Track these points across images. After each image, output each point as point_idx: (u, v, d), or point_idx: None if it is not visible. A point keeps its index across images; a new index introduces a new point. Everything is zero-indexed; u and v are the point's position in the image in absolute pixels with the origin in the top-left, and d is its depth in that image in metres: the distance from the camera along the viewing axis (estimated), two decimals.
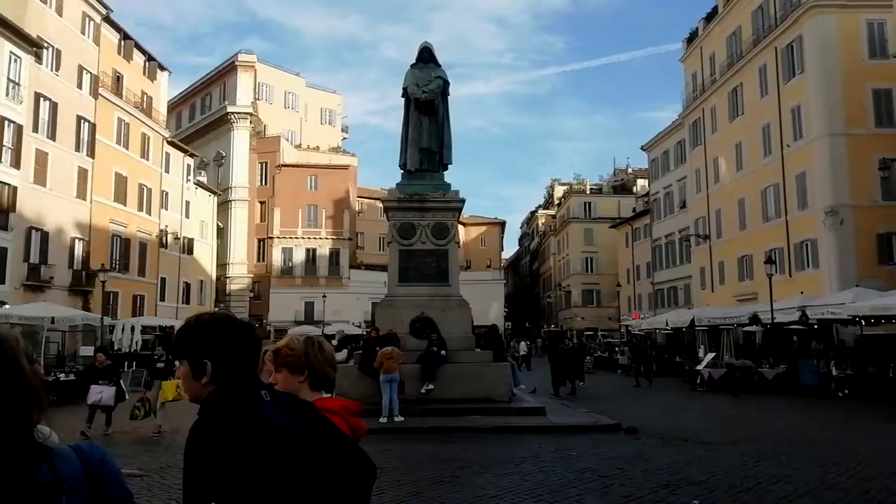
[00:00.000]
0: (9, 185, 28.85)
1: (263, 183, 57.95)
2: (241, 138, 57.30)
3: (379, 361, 13.38)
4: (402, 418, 13.00)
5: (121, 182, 38.27)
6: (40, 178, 31.05)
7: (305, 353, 2.33)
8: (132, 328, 31.98)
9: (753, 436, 12.38)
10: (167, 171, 44.09)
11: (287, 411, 1.78)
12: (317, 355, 2.36)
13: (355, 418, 2.19)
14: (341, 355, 15.71)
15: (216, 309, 44.17)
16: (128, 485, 1.57)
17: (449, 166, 17.26)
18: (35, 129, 30.66)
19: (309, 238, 57.26)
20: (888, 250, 28.34)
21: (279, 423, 1.70)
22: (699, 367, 24.33)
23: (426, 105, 16.61)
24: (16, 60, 29.30)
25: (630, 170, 77.81)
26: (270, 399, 1.77)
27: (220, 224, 54.13)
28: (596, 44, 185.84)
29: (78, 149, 34.18)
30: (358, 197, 63.21)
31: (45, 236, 31.39)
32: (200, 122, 61.64)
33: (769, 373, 22.56)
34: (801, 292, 26.07)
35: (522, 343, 42.40)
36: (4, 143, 28.60)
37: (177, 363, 1.89)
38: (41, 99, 31.11)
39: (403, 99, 17.17)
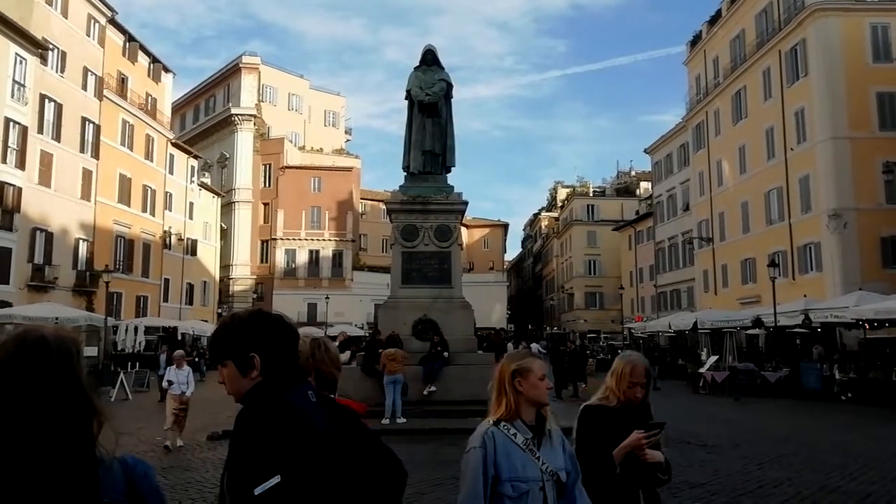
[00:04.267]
0: (13, 185, 28.97)
1: (267, 184, 58.04)
2: (244, 140, 57.42)
3: (382, 363, 13.42)
4: (405, 420, 13.02)
5: (125, 183, 38.38)
6: (45, 179, 31.17)
7: (312, 355, 2.36)
8: (135, 329, 32.09)
9: (756, 439, 12.38)
10: (171, 172, 44.20)
11: (327, 414, 1.82)
12: (323, 357, 2.39)
13: None
14: (344, 357, 15.72)
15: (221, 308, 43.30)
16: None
17: (452, 169, 17.31)
18: (40, 131, 30.78)
19: (312, 239, 57.32)
20: (892, 254, 28.26)
21: (316, 426, 1.73)
22: (702, 370, 24.31)
23: (429, 107, 16.65)
24: (21, 62, 29.42)
25: (633, 172, 77.70)
26: (316, 400, 1.82)
27: (223, 225, 54.23)
28: (597, 47, 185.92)
29: (82, 150, 34.30)
30: (361, 199, 63.24)
31: (49, 237, 31.49)
32: (204, 124, 61.76)
33: (772, 376, 22.54)
34: (805, 295, 26.02)
35: (534, 345, 42.13)
36: (9, 144, 28.73)
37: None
38: (46, 100, 31.24)
39: (407, 101, 17.22)
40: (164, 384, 12.14)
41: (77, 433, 1.34)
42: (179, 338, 38.94)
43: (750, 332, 28.46)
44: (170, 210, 43.82)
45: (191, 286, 47.05)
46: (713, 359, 25.46)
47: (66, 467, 1.30)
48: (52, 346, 1.38)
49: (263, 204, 57.77)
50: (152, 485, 1.49)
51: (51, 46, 31.40)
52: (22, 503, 1.27)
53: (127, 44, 39.90)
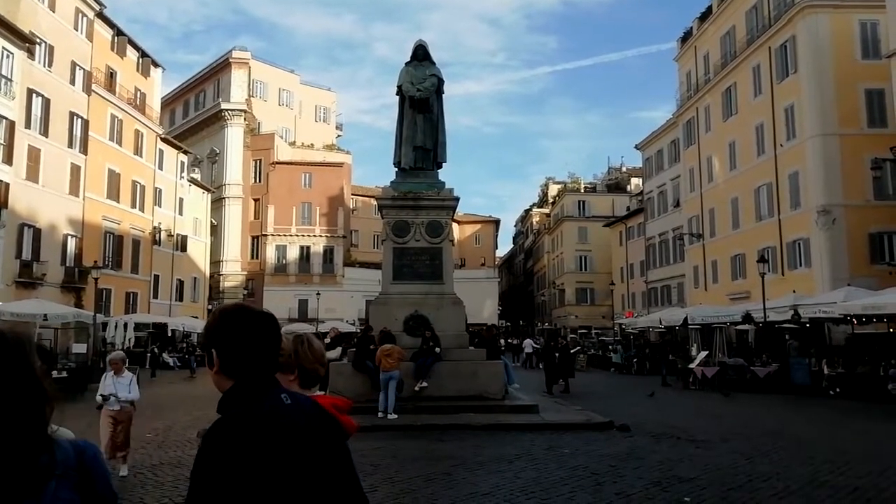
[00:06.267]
0: (1, 181, 28.68)
1: (257, 180, 57.80)
2: (235, 135, 57.12)
3: (378, 359, 13.49)
4: (396, 416, 13.02)
5: (114, 179, 38.10)
6: (32, 174, 30.89)
7: (295, 352, 2.34)
8: (125, 325, 31.92)
9: (745, 434, 12.44)
10: (160, 167, 43.92)
11: (299, 420, 1.76)
12: (306, 353, 2.37)
13: (345, 416, 2.20)
14: (335, 353, 15.69)
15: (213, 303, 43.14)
16: (115, 486, 1.66)
17: (443, 164, 17.24)
18: (27, 125, 30.48)
19: (303, 235, 57.15)
20: (880, 249, 28.48)
21: (282, 432, 1.69)
22: (692, 366, 24.42)
23: (421, 103, 16.58)
24: (8, 56, 29.11)
25: (624, 168, 77.93)
26: (290, 402, 1.77)
27: (213, 221, 53.96)
28: (588, 43, 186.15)
29: (71, 145, 34.00)
30: (352, 194, 63.13)
31: (37, 233, 31.22)
32: (194, 119, 61.38)
33: (761, 371, 22.68)
34: (794, 291, 26.20)
35: (528, 341, 42.31)
36: None
37: None
38: (34, 95, 30.93)
39: (398, 97, 17.14)
40: (98, 398, 8.67)
41: (31, 416, 1.50)
42: (169, 334, 38.82)
43: (739, 327, 28.60)
44: (159, 206, 43.55)
45: (181, 282, 46.81)
46: (703, 354, 25.57)
47: (21, 444, 1.46)
48: (7, 338, 1.54)
49: (254, 200, 57.53)
50: (101, 466, 1.64)
51: (38, 40, 31.06)
52: None
53: (115, 38, 39.55)
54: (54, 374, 19.48)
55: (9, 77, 29.14)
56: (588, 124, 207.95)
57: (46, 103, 31.85)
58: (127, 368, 8.93)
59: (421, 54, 17.18)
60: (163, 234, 43.72)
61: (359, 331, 25.84)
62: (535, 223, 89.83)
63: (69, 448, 1.57)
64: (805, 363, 22.47)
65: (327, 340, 16.68)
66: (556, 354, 22.42)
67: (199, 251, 50.16)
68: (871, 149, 27.03)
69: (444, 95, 17.29)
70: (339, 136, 71.03)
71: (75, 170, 34.38)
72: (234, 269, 56.32)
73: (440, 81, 17.03)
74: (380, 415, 12.87)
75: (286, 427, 1.70)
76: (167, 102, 58.89)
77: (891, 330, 22.61)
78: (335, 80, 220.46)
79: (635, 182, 68.37)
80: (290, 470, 1.68)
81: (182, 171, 47.59)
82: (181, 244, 46.74)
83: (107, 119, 37.66)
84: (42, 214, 31.48)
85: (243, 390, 1.74)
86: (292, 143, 62.28)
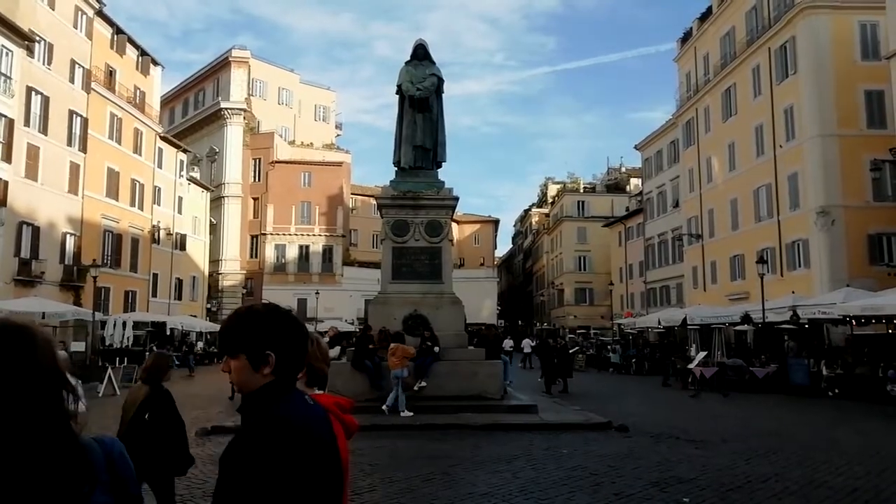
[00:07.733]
0: (0, 179, 28.65)
1: (257, 179, 57.76)
2: (234, 134, 57.07)
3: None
4: (411, 413, 13.16)
5: (113, 177, 38.05)
6: (32, 172, 30.84)
7: None
8: (124, 324, 31.88)
9: (744, 434, 12.45)
10: (160, 166, 43.87)
11: (317, 418, 1.80)
12: (315, 352, 2.37)
13: (347, 415, 2.20)
14: (334, 352, 15.72)
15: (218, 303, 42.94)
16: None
17: (443, 164, 17.25)
18: (27, 124, 30.43)
19: (302, 235, 57.13)
20: (879, 251, 28.49)
21: (313, 437, 1.72)
22: (691, 366, 24.42)
23: (420, 102, 16.59)
24: (7, 54, 29.07)
25: (623, 169, 77.94)
26: (312, 403, 1.81)
27: (212, 220, 53.92)
28: (586, 44, 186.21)
29: (70, 143, 33.95)
30: (351, 194, 63.11)
31: (36, 231, 31.18)
32: (194, 118, 61.32)
33: (760, 372, 22.69)
34: (793, 292, 26.20)
35: (526, 340, 42.46)
36: None
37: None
38: (33, 93, 30.88)
39: (398, 96, 17.15)
40: None
41: (62, 415, 1.45)
42: (168, 333, 38.79)
43: (738, 328, 28.62)
44: (158, 204, 43.50)
45: (179, 281, 46.77)
46: (702, 355, 25.58)
47: (60, 448, 1.41)
48: (37, 335, 1.48)
49: (253, 199, 57.49)
50: (128, 462, 1.62)
51: (37, 38, 31.00)
52: (32, 485, 1.35)
53: (115, 36, 39.49)
54: None
55: (8, 75, 29.10)
56: (587, 125, 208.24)
57: (46, 101, 31.81)
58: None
59: (421, 53, 17.19)
60: (162, 233, 43.68)
61: (358, 330, 25.85)
62: (534, 223, 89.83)
63: (97, 447, 1.52)
64: (804, 364, 22.46)
65: (326, 340, 16.68)
66: (554, 354, 22.43)
67: (198, 250, 50.11)
68: (871, 150, 27.07)
69: (443, 95, 17.31)
70: (338, 135, 71.02)
71: (74, 168, 34.33)
72: (233, 268, 56.29)
73: (440, 81, 17.04)
74: (384, 408, 13.20)
75: (317, 430, 1.74)
76: (166, 101, 58.83)
77: (890, 331, 22.62)
78: (335, 79, 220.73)
79: (634, 182, 68.36)
80: (320, 474, 1.70)
81: (181, 169, 47.54)
82: (180, 243, 46.71)
83: (106, 117, 37.61)
84: (41, 212, 31.44)
85: (281, 388, 1.76)
86: (292, 143, 62.24)
